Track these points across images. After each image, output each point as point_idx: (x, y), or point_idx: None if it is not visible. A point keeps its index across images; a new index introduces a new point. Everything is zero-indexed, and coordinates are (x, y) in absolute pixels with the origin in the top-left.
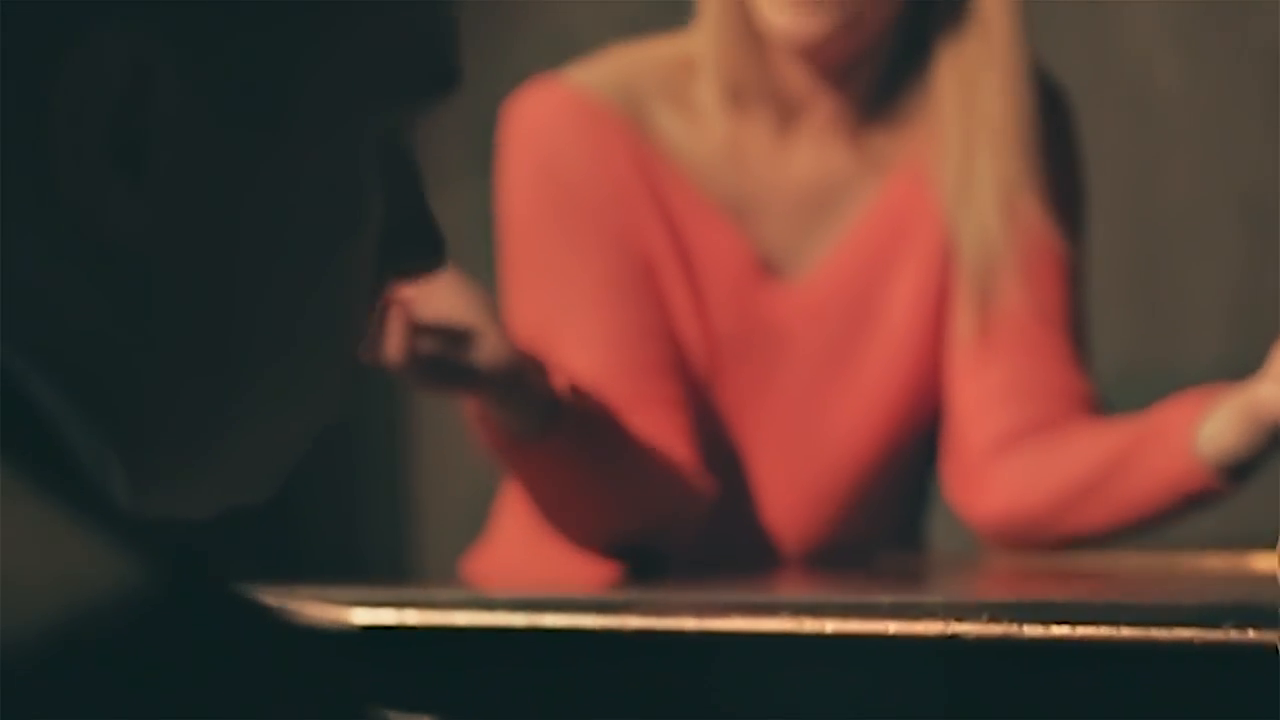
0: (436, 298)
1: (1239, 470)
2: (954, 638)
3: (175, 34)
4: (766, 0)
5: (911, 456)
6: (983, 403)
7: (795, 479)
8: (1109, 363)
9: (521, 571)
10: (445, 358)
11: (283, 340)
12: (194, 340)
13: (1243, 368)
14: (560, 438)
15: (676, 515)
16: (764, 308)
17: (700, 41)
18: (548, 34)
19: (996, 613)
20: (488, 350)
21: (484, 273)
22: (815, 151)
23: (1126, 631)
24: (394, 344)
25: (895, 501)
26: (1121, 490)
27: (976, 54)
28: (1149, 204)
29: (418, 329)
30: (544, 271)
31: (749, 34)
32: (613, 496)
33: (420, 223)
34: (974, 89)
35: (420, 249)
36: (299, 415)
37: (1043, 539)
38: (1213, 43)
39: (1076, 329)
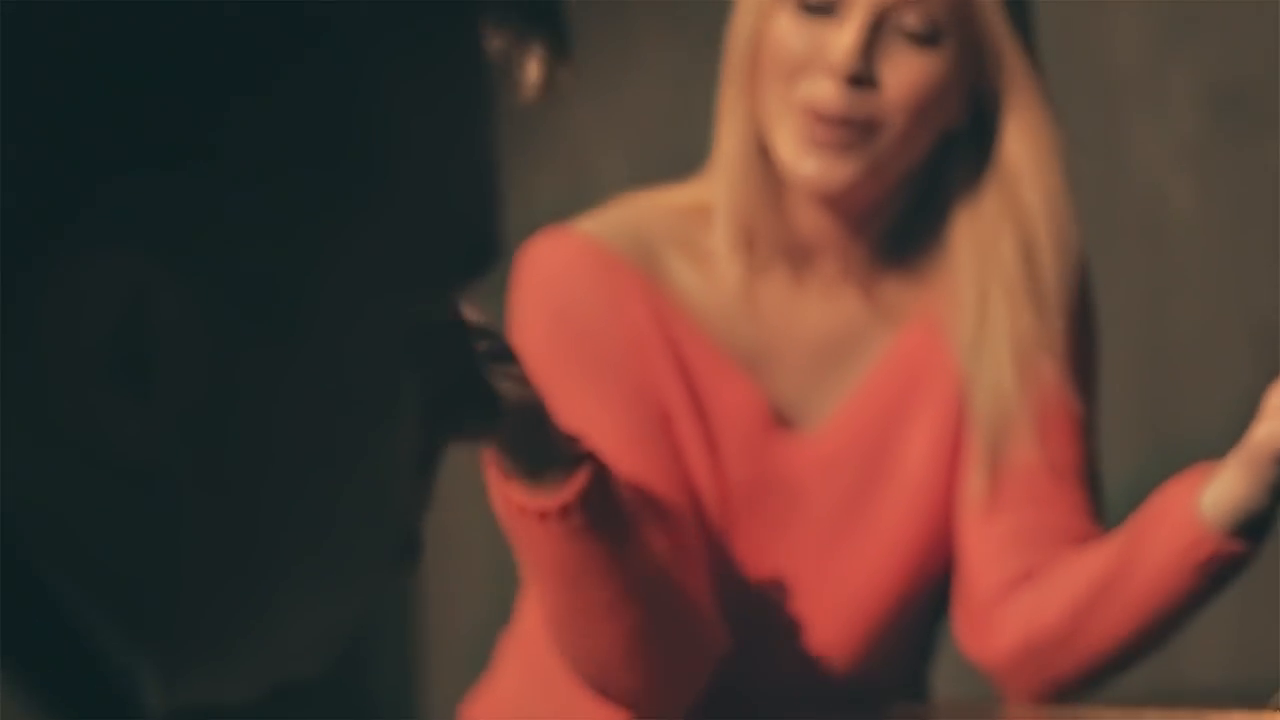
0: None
1: (1254, 525)
2: None
3: (174, 254)
4: (787, 148)
5: (923, 605)
6: (993, 551)
7: (809, 629)
8: (1116, 490)
9: (521, 716)
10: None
11: (323, 525)
12: (225, 541)
13: None
14: (580, 501)
15: (690, 653)
16: (778, 459)
17: (715, 188)
18: (570, 177)
19: None
20: (519, 373)
21: None
22: (829, 301)
23: None
24: None
25: (906, 650)
26: (1134, 582)
27: (995, 207)
28: (1159, 330)
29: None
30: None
31: (766, 181)
32: (630, 602)
33: (471, 385)
34: (992, 243)
35: (474, 410)
36: (349, 592)
37: (1063, 668)
38: (1224, 168)
39: (1089, 480)
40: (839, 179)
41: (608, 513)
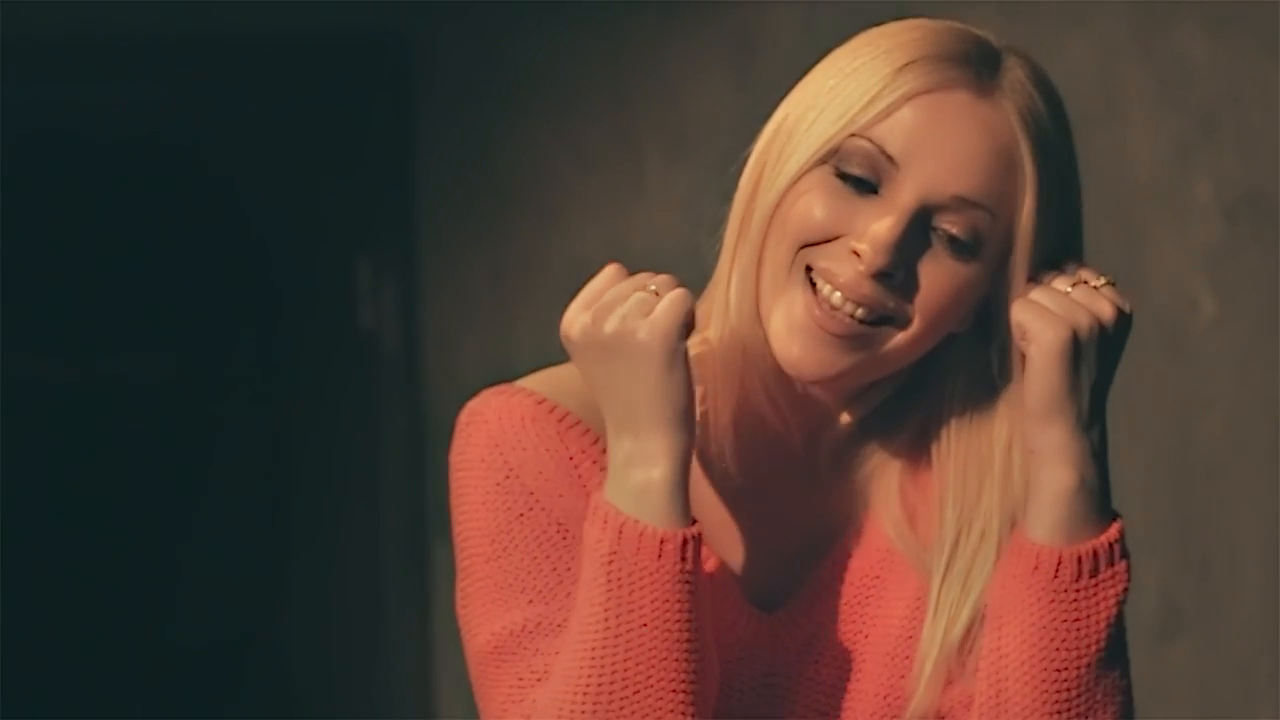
0: None
1: (1089, 505)
2: None
3: None
4: (781, 321)
5: None
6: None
7: None
8: (1147, 601)
9: None
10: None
11: None
12: None
13: None
14: (697, 540)
15: None
16: (751, 640)
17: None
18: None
19: None
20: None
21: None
22: (802, 476)
23: None
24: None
25: None
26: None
27: (991, 423)
28: (1188, 442)
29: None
30: (520, 588)
31: (757, 349)
32: (695, 679)
33: None
34: (976, 477)
35: None
36: None
37: None
38: (1247, 275)
39: None
40: (829, 370)
41: (699, 589)
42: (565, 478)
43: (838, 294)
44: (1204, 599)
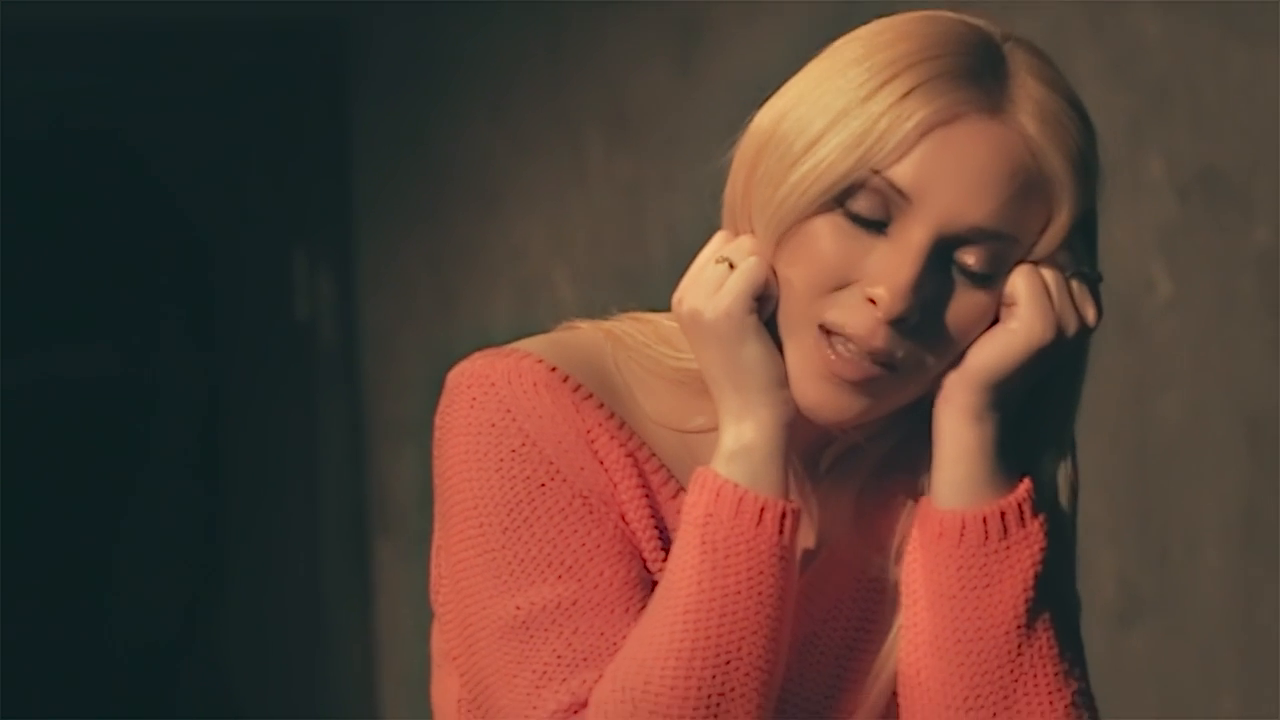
0: None
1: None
2: None
3: None
4: (794, 365)
5: None
6: None
7: None
8: (1110, 590)
9: None
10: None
11: None
12: None
13: (1250, 590)
14: (796, 515)
15: None
16: None
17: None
18: (517, 289)
19: None
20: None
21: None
22: (800, 491)
23: None
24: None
25: None
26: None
27: None
28: (1146, 423)
29: None
30: (546, 562)
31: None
32: (776, 665)
33: None
34: None
35: None
36: None
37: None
38: (1204, 253)
39: None
40: (846, 414)
41: (792, 561)
42: (584, 450)
43: (852, 346)
44: (1164, 585)
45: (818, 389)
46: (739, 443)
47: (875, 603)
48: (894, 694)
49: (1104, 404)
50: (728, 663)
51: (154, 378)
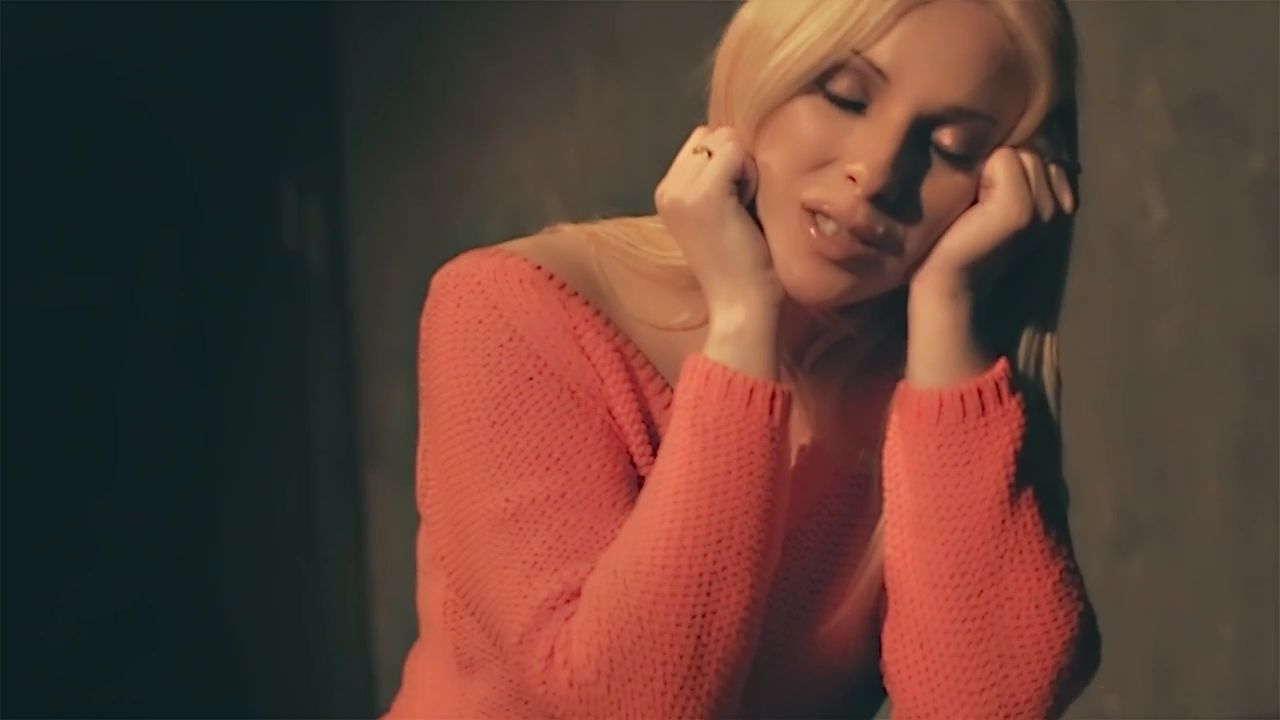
0: None
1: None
2: None
3: None
4: (779, 244)
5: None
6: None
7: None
8: (1106, 514)
9: None
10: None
11: None
12: None
13: (1247, 515)
14: (774, 400)
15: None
16: None
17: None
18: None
19: None
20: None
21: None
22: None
23: None
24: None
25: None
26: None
27: None
28: (1141, 347)
29: None
30: (534, 454)
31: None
32: (770, 549)
33: None
34: None
35: None
36: None
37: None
38: (1198, 178)
39: None
40: (829, 293)
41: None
42: (571, 346)
43: (832, 224)
44: (1161, 511)
45: (801, 267)
46: (730, 326)
47: (860, 498)
48: (881, 589)
49: (1100, 329)
50: (719, 542)
51: (142, 307)
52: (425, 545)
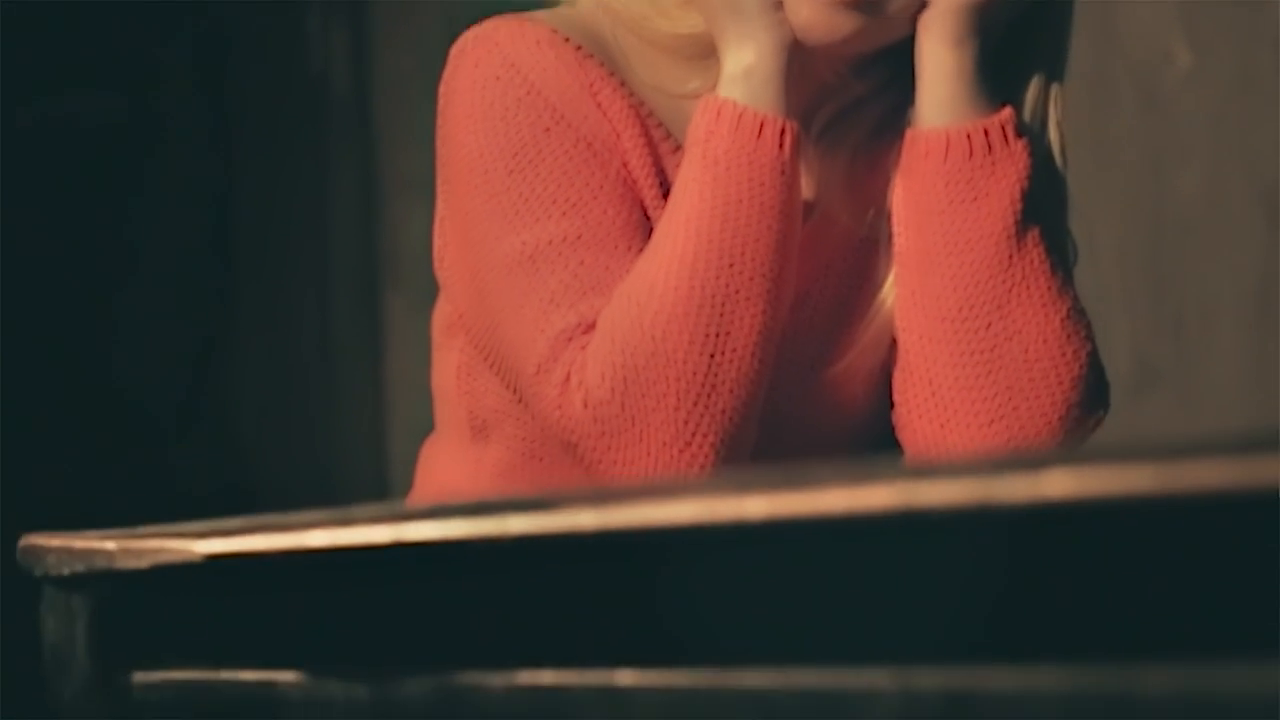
0: None
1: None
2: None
3: None
4: None
5: None
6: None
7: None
8: (1125, 364)
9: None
10: None
11: None
12: None
13: (1264, 364)
14: (784, 135)
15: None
16: None
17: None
18: None
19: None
20: None
21: None
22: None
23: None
24: None
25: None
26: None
27: None
28: (1163, 197)
29: None
30: (551, 199)
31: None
32: (785, 277)
33: None
34: None
35: None
36: None
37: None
38: (1223, 27)
39: None
40: (837, 33)
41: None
42: (587, 100)
43: None
44: (1178, 357)
45: (809, 7)
46: (739, 66)
47: (868, 261)
48: (891, 345)
49: (1121, 177)
50: (731, 266)
51: (163, 126)
52: (440, 318)
